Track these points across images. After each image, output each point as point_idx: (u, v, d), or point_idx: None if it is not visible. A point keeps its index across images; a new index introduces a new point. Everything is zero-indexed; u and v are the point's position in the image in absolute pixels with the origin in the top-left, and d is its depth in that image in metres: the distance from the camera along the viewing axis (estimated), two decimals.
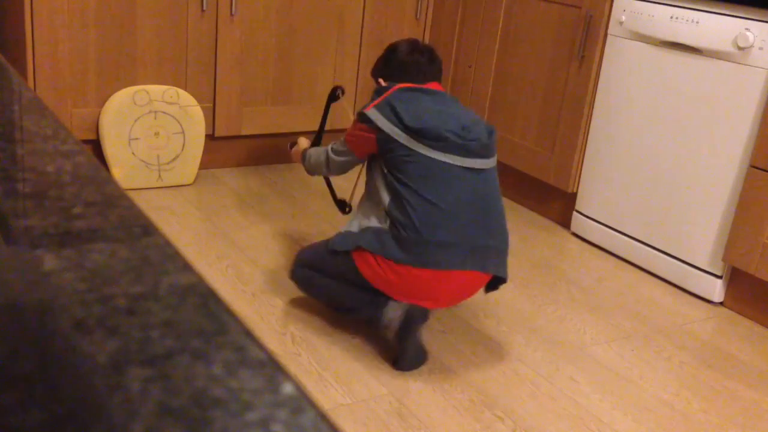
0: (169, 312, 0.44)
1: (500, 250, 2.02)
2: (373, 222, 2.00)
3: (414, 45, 2.15)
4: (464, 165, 1.96)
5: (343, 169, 2.21)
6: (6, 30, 3.04)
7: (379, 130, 1.99)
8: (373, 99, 2.08)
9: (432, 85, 2.10)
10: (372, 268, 1.96)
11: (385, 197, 1.98)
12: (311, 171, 2.33)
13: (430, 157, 1.94)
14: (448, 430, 1.78)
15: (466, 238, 1.94)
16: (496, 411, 1.87)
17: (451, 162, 1.94)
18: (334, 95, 2.50)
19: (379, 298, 1.99)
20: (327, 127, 2.61)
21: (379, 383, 1.92)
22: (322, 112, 2.62)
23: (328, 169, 2.24)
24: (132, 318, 0.43)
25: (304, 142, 2.47)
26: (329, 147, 2.23)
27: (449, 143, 1.94)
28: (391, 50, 2.17)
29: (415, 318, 1.98)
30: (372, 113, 2.01)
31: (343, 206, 2.46)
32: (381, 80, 2.17)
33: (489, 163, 2.01)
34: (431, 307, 2.03)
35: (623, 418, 1.90)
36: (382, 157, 2.02)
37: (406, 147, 1.95)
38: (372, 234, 1.97)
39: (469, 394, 1.93)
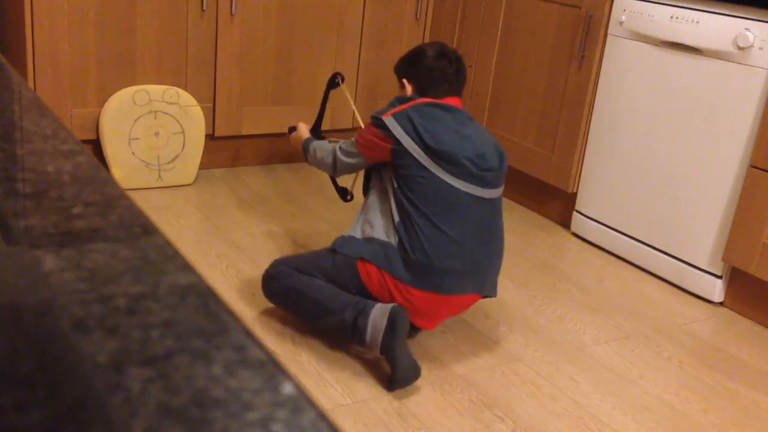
0: (169, 312, 0.44)
1: (496, 271, 2.04)
2: (378, 233, 1.97)
3: (442, 50, 2.09)
4: (476, 194, 1.94)
5: (350, 170, 2.15)
6: (6, 30, 3.04)
7: (396, 141, 1.94)
8: (392, 105, 2.02)
9: (452, 101, 2.04)
10: (375, 281, 1.95)
11: (395, 214, 1.95)
12: (313, 165, 2.27)
13: (445, 182, 1.91)
14: (448, 430, 1.78)
15: (471, 265, 1.95)
16: (496, 411, 1.87)
17: (464, 190, 1.92)
18: (333, 82, 2.46)
19: (366, 301, 1.94)
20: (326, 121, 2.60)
21: (379, 383, 1.92)
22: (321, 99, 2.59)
23: (335, 170, 2.17)
24: (132, 318, 0.43)
25: (304, 129, 2.39)
26: (337, 146, 2.15)
27: (465, 170, 1.92)
28: (418, 52, 2.11)
29: (399, 316, 1.87)
30: (390, 122, 1.96)
31: (344, 194, 2.41)
32: (405, 81, 2.11)
33: (498, 192, 2.01)
34: (425, 327, 2.03)
35: (623, 418, 1.90)
36: (393, 170, 1.97)
37: (422, 167, 1.91)
38: (378, 247, 1.95)
39: (469, 394, 1.93)
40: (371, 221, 2.01)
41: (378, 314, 1.88)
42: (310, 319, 2.03)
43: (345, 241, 2.02)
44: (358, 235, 2.02)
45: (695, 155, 2.50)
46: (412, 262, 1.92)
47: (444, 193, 1.92)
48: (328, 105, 2.62)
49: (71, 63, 2.82)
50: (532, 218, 3.15)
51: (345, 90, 2.54)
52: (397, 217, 1.95)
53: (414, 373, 1.88)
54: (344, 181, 2.54)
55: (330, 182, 2.49)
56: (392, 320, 1.86)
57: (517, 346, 2.17)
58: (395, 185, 1.96)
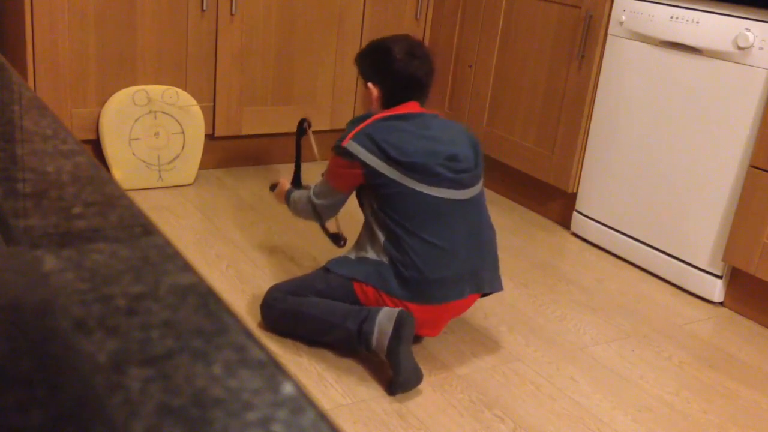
0: (169, 312, 0.44)
1: (493, 267, 2.03)
2: (369, 252, 1.95)
3: (410, 50, 1.95)
4: (457, 198, 1.91)
5: (333, 210, 2.06)
6: (6, 30, 3.04)
7: (363, 164, 1.89)
8: (348, 130, 1.95)
9: (410, 106, 1.96)
10: (372, 299, 1.94)
11: (380, 235, 1.93)
12: (298, 217, 2.19)
13: (422, 193, 1.88)
14: (448, 430, 1.78)
15: (464, 269, 1.93)
16: (496, 411, 1.87)
17: (443, 197, 1.89)
18: (301, 129, 2.36)
19: (368, 307, 1.92)
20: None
21: (379, 383, 1.92)
22: (295, 147, 2.48)
23: (318, 216, 2.09)
24: (132, 318, 0.43)
25: (285, 183, 2.31)
26: (311, 192, 2.07)
27: (440, 178, 1.88)
28: (385, 51, 1.96)
29: (405, 321, 1.85)
30: (352, 147, 1.90)
31: (337, 240, 2.26)
32: (371, 85, 2.00)
33: (478, 188, 1.98)
34: (429, 335, 2.03)
35: (623, 418, 1.90)
36: (371, 191, 1.93)
37: (397, 183, 1.87)
38: (372, 267, 1.93)
39: (469, 394, 1.93)
40: (362, 241, 2.00)
41: (384, 319, 1.86)
42: (315, 336, 2.01)
43: (339, 261, 2.00)
44: (352, 255, 2.00)
45: (695, 155, 2.50)
46: (406, 279, 1.90)
47: (424, 205, 1.88)
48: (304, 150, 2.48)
49: (71, 63, 2.82)
50: (532, 218, 3.15)
51: (311, 136, 2.39)
52: (382, 237, 1.92)
53: (416, 377, 1.86)
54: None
55: (320, 230, 2.33)
56: (398, 325, 1.84)
57: (517, 346, 2.17)
58: (374, 206, 1.93)
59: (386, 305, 1.92)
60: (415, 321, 1.89)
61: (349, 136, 1.92)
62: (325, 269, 2.02)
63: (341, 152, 1.92)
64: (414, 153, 1.87)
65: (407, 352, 1.86)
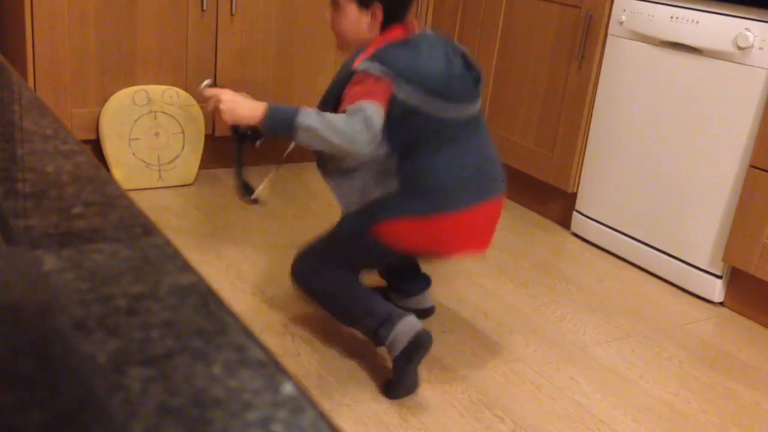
0: (169, 312, 0.44)
1: (502, 177, 1.98)
2: (377, 193, 1.84)
3: None
4: (461, 114, 1.85)
5: (378, 126, 1.75)
6: (6, 30, 3.04)
7: (389, 80, 1.75)
8: (355, 56, 1.86)
9: (399, 29, 1.86)
10: (396, 235, 1.84)
11: (389, 160, 1.81)
12: (324, 141, 1.75)
13: (431, 113, 1.79)
14: (448, 430, 1.78)
15: (478, 176, 1.88)
16: (496, 411, 1.87)
17: (450, 115, 1.82)
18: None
19: (392, 312, 1.89)
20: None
21: (379, 383, 1.92)
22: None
23: (366, 140, 1.73)
24: (132, 318, 0.43)
25: (246, 102, 1.91)
26: (349, 115, 1.73)
27: (447, 97, 1.81)
28: None
29: (421, 344, 1.84)
30: (373, 67, 1.76)
31: (249, 193, 2.00)
32: (375, 6, 1.84)
33: (478, 105, 1.92)
34: (478, 248, 1.97)
35: (623, 418, 1.90)
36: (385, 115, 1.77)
37: (407, 103, 1.76)
38: (382, 203, 1.83)
39: (469, 394, 1.93)
40: (368, 184, 1.86)
41: (402, 331, 1.85)
42: (341, 322, 2.03)
43: (349, 220, 1.92)
44: (355, 207, 1.89)
45: (695, 155, 2.50)
46: (423, 194, 1.82)
47: (433, 124, 1.81)
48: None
49: (71, 63, 2.82)
50: (532, 218, 3.15)
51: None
52: (393, 165, 1.81)
53: (413, 390, 1.89)
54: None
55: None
56: (412, 347, 1.84)
57: (517, 346, 2.17)
58: (388, 134, 1.78)
59: (413, 235, 1.84)
60: (431, 343, 1.86)
61: (360, 59, 1.80)
62: (344, 236, 1.95)
63: (365, 70, 1.77)
64: (421, 73, 1.79)
65: (413, 369, 1.87)
